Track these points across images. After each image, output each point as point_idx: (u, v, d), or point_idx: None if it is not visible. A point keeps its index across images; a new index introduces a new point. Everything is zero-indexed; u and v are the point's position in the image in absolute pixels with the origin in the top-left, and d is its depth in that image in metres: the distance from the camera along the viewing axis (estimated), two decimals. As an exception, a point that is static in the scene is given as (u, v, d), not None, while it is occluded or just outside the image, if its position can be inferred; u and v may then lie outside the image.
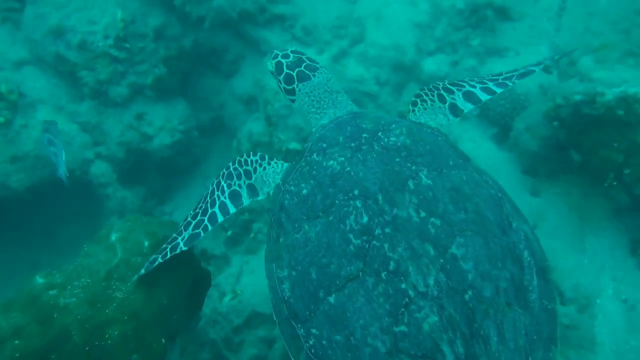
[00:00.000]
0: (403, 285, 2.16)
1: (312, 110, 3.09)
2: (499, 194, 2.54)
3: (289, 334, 2.38)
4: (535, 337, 2.20)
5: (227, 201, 2.91)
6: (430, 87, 3.16)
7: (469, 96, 3.11)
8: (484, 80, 3.22)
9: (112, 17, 5.63)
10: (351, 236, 2.31)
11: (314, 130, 3.01)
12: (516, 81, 3.22)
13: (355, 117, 2.79)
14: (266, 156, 2.98)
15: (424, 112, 3.06)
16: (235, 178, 2.96)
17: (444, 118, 3.04)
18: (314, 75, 3.12)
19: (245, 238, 5.31)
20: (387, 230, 2.27)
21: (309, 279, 2.35)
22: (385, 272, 2.20)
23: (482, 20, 6.04)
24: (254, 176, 2.94)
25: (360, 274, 2.23)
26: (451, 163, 2.53)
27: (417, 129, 2.69)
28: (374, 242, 2.26)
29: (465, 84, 3.18)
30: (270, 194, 2.86)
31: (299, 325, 2.34)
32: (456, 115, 3.07)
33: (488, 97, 3.13)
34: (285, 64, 3.14)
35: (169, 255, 2.75)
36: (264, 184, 2.90)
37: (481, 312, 2.12)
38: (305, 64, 3.15)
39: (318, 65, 3.19)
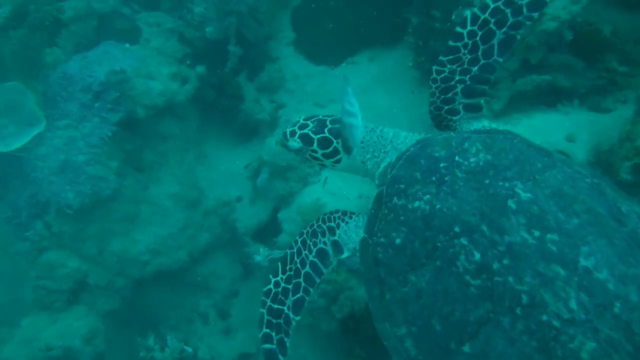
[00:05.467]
0: (544, 317, 1.96)
1: (368, 156, 2.86)
2: (595, 180, 2.29)
3: None
4: None
5: (317, 260, 2.76)
6: (433, 107, 2.85)
7: (469, 91, 2.77)
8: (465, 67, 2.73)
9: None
10: (468, 277, 2.13)
11: (379, 172, 2.79)
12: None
13: (424, 147, 2.55)
14: (348, 212, 2.85)
15: (463, 122, 2.83)
16: (319, 236, 2.82)
17: (482, 118, 2.83)
18: None
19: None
20: (506, 261, 2.08)
21: (434, 332, 2.18)
22: (519, 308, 2.01)
23: None
24: (337, 232, 2.79)
25: (492, 315, 2.06)
26: (539, 165, 2.28)
27: (490, 140, 2.43)
28: (496, 278, 2.08)
29: (454, 82, 2.76)
30: (357, 249, 2.68)
31: None
32: (478, 110, 2.80)
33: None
34: (310, 132, 2.87)
35: (284, 331, 2.63)
36: (348, 240, 2.76)
37: (637, 321, 1.90)
38: (328, 120, 2.91)
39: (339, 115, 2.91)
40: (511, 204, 2.17)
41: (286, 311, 2.67)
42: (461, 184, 2.31)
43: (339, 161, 2.91)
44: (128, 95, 5.42)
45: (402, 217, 2.38)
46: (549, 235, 2.07)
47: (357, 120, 2.92)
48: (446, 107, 2.80)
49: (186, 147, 6.28)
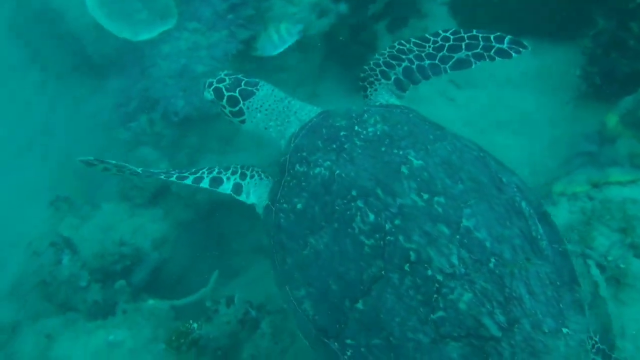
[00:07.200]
0: (429, 272, 2.14)
1: (271, 123, 2.98)
2: (481, 154, 2.55)
3: (323, 352, 2.36)
4: (559, 283, 2.24)
5: (207, 182, 2.89)
6: (372, 64, 3.11)
7: (408, 73, 3.05)
8: (422, 55, 3.05)
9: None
10: (363, 238, 2.26)
11: (284, 141, 2.90)
12: (449, 70, 3.00)
13: (327, 117, 2.72)
14: (268, 172, 2.97)
15: (377, 94, 3.07)
16: (230, 171, 2.93)
17: (394, 96, 3.06)
18: (257, 90, 3.03)
19: None
20: (397, 222, 2.23)
21: (330, 291, 2.31)
22: (407, 264, 2.17)
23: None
24: (247, 180, 2.90)
25: (383, 272, 2.20)
26: (431, 137, 2.52)
27: (388, 113, 2.65)
28: (388, 237, 2.22)
29: (405, 57, 3.07)
30: (258, 210, 2.78)
31: (332, 340, 2.32)
32: (404, 90, 3.07)
33: (423, 80, 3.04)
34: (223, 87, 3.02)
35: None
36: (250, 193, 2.86)
37: (508, 275, 2.14)
38: (244, 81, 3.05)
39: (257, 80, 3.10)
40: (404, 169, 2.33)
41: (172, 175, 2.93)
42: (359, 151, 2.45)
43: (243, 122, 3.03)
44: (262, 16, 5.08)
45: (303, 183, 2.50)
46: (436, 198, 2.25)
47: None
48: (383, 68, 3.03)
49: (301, 81, 5.95)
